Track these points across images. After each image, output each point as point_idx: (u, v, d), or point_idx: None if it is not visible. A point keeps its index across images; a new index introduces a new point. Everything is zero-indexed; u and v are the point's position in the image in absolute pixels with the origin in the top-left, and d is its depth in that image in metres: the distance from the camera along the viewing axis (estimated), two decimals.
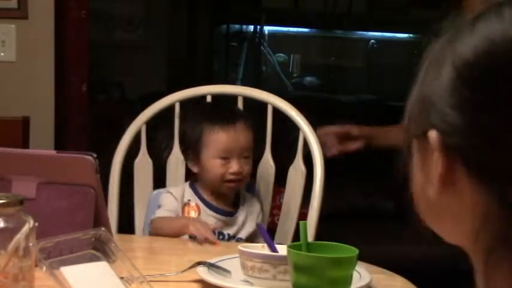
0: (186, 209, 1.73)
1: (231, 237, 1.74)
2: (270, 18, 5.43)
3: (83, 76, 2.60)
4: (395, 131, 2.36)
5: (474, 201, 0.57)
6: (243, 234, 1.76)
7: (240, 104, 1.92)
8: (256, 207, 1.82)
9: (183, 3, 4.94)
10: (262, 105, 1.90)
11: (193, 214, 1.73)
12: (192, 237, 1.60)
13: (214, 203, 1.76)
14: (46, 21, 2.52)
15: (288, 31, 5.67)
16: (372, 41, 5.61)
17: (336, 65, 5.66)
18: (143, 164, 1.93)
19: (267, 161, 1.90)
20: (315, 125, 1.92)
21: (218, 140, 1.73)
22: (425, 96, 0.61)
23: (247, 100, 1.93)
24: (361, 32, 5.64)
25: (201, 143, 1.74)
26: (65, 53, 2.57)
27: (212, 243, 1.55)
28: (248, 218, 1.79)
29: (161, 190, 1.84)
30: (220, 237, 1.72)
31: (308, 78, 5.60)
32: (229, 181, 1.73)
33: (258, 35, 5.51)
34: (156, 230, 1.68)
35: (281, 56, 5.56)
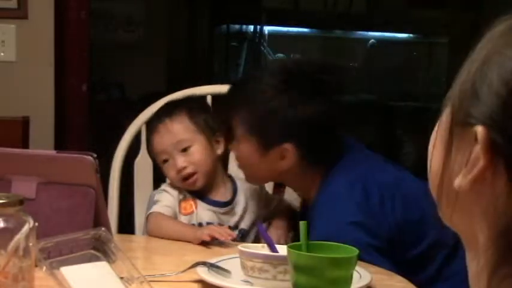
0: (183, 204, 1.70)
1: (233, 228, 1.68)
2: (270, 18, 5.44)
3: (83, 76, 2.60)
4: None
5: (506, 204, 0.56)
6: (245, 224, 1.71)
7: None
8: (256, 190, 1.76)
9: (183, 3, 4.94)
10: None
11: (190, 209, 1.69)
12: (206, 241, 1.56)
13: (209, 195, 1.71)
14: (46, 21, 2.52)
15: (288, 31, 5.67)
16: (372, 41, 5.61)
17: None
18: (143, 164, 1.93)
19: None
20: None
21: (153, 145, 1.73)
22: (472, 88, 0.59)
23: None
24: (361, 32, 5.64)
25: (153, 155, 1.78)
26: (65, 53, 2.57)
27: (234, 238, 1.56)
28: (249, 204, 1.74)
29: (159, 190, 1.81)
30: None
31: None
32: (185, 179, 1.68)
33: (258, 35, 5.51)
34: (153, 226, 1.64)
35: (281, 57, 5.56)
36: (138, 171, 1.93)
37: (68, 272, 1.04)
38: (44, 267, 1.02)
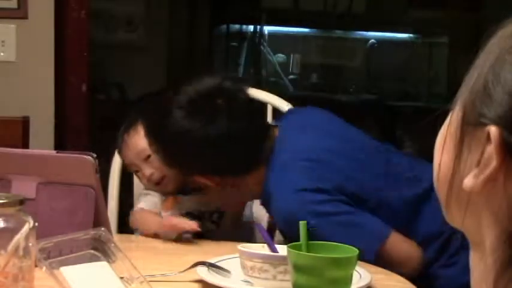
0: (164, 204, 1.74)
1: (215, 213, 1.74)
2: (270, 18, 5.43)
3: (83, 76, 2.60)
4: None
5: None
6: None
7: None
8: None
9: (183, 3, 4.94)
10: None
11: (170, 206, 1.73)
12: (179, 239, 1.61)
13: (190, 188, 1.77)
14: (46, 21, 2.52)
15: (288, 31, 5.67)
16: (372, 41, 5.61)
17: (336, 65, 5.66)
18: None
19: None
20: None
21: (123, 160, 1.81)
22: (485, 88, 0.58)
23: None
24: (361, 32, 5.64)
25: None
26: (65, 53, 2.57)
27: (194, 229, 1.57)
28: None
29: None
30: (198, 216, 1.72)
31: (308, 78, 5.60)
32: (157, 184, 1.74)
33: (258, 35, 5.51)
34: (133, 221, 1.74)
35: (281, 57, 5.56)
36: None
37: (68, 272, 1.04)
38: (44, 267, 1.02)
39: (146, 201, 1.76)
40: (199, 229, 1.58)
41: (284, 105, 1.90)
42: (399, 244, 1.51)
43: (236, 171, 1.62)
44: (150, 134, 1.66)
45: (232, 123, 1.56)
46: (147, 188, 1.79)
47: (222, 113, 1.56)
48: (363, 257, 1.21)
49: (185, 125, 1.56)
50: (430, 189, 1.51)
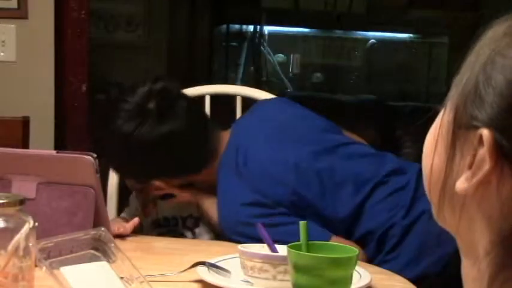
0: (145, 210, 1.79)
1: (185, 219, 1.78)
2: (270, 18, 5.43)
3: (83, 76, 2.60)
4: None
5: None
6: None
7: (239, 104, 1.92)
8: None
9: (183, 3, 4.94)
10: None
11: (149, 212, 1.79)
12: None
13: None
14: (46, 21, 2.52)
15: (288, 31, 5.67)
16: (372, 41, 5.61)
17: (336, 65, 5.66)
18: None
19: None
20: None
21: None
22: (476, 89, 0.58)
23: (246, 100, 1.93)
24: (361, 32, 5.64)
25: None
26: (65, 53, 2.57)
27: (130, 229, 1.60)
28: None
29: None
30: (174, 221, 1.79)
31: (308, 78, 5.60)
32: (139, 193, 1.79)
33: (258, 35, 5.51)
34: None
35: (280, 57, 5.56)
36: None
37: (68, 272, 1.04)
38: (44, 267, 1.02)
39: (129, 210, 1.82)
40: (136, 225, 1.62)
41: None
42: None
43: (185, 171, 1.68)
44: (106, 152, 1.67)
45: (164, 125, 1.59)
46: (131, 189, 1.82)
47: (153, 116, 1.59)
48: None
49: (122, 131, 1.60)
50: (373, 187, 1.60)
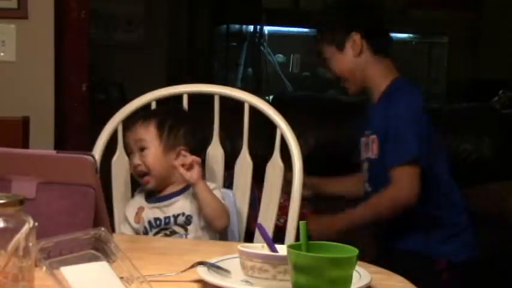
0: (136, 217, 1.88)
1: (177, 217, 1.84)
2: (270, 18, 5.44)
3: (83, 76, 2.60)
4: (344, 181, 2.55)
5: None
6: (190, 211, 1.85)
7: (216, 103, 1.93)
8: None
9: (183, 3, 4.94)
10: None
11: (139, 219, 1.88)
12: None
13: (157, 195, 1.89)
14: (46, 21, 2.52)
15: (288, 31, 5.67)
16: None
17: None
18: (120, 163, 1.94)
19: (244, 158, 1.92)
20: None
21: (124, 139, 1.93)
22: None
23: (224, 99, 1.94)
24: None
25: None
26: (65, 53, 2.58)
27: None
28: (193, 200, 1.85)
29: (139, 189, 1.95)
30: (157, 222, 1.85)
31: (308, 78, 5.60)
32: (138, 175, 1.88)
33: (258, 35, 5.51)
34: None
35: (280, 57, 5.56)
36: (115, 169, 1.94)
37: (68, 272, 1.04)
38: (44, 267, 1.02)
39: (124, 225, 1.91)
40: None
41: (261, 104, 1.91)
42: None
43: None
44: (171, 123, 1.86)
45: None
46: (134, 172, 1.90)
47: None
48: None
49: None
50: None
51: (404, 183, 2.17)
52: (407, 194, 2.17)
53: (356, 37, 2.26)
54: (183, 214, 1.84)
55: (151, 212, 1.87)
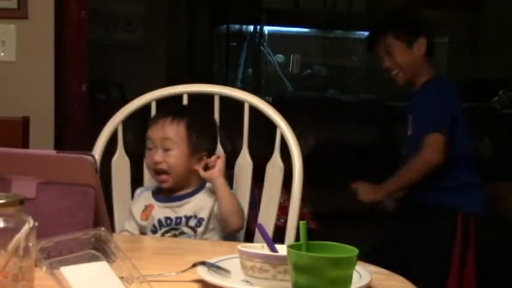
0: (143, 214, 1.87)
1: (190, 217, 1.84)
2: (270, 18, 5.43)
3: (83, 76, 2.60)
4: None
5: None
6: (204, 214, 1.84)
7: (216, 103, 1.93)
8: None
9: (183, 3, 4.94)
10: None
11: (148, 215, 1.86)
12: None
13: (169, 196, 1.89)
14: (46, 21, 2.52)
15: (288, 31, 5.67)
16: None
17: (336, 65, 5.66)
18: (120, 163, 1.94)
19: (244, 158, 1.93)
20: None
21: (148, 129, 1.89)
22: None
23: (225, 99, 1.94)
24: (361, 32, 5.64)
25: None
26: (65, 53, 2.58)
27: None
28: (206, 201, 1.86)
29: (143, 188, 1.95)
30: (168, 221, 1.84)
31: (308, 78, 5.60)
32: (156, 172, 1.86)
33: (258, 35, 5.51)
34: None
35: (280, 57, 5.56)
36: (115, 169, 1.94)
37: (68, 272, 1.04)
38: (44, 267, 1.02)
39: (126, 226, 1.90)
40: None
41: (261, 104, 1.91)
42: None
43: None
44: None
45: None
46: (146, 166, 1.90)
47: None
48: None
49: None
50: None
51: (431, 148, 2.64)
52: (435, 157, 2.64)
53: (423, 40, 2.79)
54: (195, 217, 1.84)
55: (163, 212, 1.86)
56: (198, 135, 1.86)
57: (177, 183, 1.86)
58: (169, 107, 1.94)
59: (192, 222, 1.84)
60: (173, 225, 1.84)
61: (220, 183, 1.82)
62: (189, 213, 1.84)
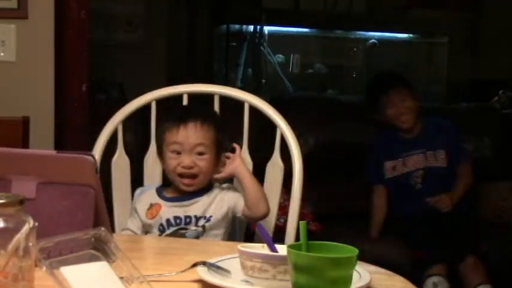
0: (149, 212, 1.85)
1: (199, 217, 1.83)
2: (270, 18, 5.43)
3: (83, 76, 2.60)
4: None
5: None
6: (212, 212, 1.83)
7: (216, 103, 1.93)
8: (231, 195, 1.86)
9: (183, 3, 4.94)
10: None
11: (155, 213, 1.85)
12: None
13: (174, 195, 1.87)
14: (46, 21, 2.52)
15: (288, 31, 5.66)
16: (372, 40, 5.61)
17: (336, 65, 5.65)
18: (120, 163, 1.94)
19: (244, 158, 1.92)
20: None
21: (171, 135, 1.84)
22: None
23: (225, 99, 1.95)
24: (361, 32, 5.64)
25: (162, 140, 1.87)
26: (65, 53, 2.58)
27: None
28: (215, 200, 1.85)
29: (144, 189, 1.94)
30: (177, 220, 1.83)
31: (308, 78, 5.60)
32: (182, 175, 1.83)
33: (258, 35, 5.50)
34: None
35: (280, 57, 5.56)
36: (115, 169, 1.94)
37: (68, 272, 1.04)
38: (44, 267, 1.02)
39: (129, 225, 1.88)
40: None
41: (261, 104, 1.91)
42: None
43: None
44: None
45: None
46: (166, 169, 1.88)
47: None
48: None
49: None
50: None
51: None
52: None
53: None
54: (205, 217, 1.83)
55: (171, 211, 1.84)
56: (223, 136, 1.87)
57: (201, 185, 1.85)
58: (190, 108, 1.92)
59: (202, 222, 1.83)
60: (182, 225, 1.83)
61: (244, 173, 1.81)
62: (198, 213, 1.83)
